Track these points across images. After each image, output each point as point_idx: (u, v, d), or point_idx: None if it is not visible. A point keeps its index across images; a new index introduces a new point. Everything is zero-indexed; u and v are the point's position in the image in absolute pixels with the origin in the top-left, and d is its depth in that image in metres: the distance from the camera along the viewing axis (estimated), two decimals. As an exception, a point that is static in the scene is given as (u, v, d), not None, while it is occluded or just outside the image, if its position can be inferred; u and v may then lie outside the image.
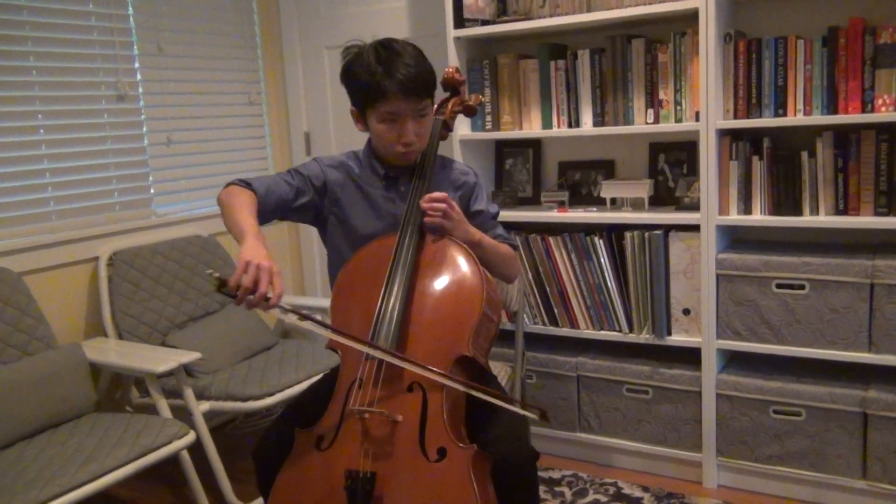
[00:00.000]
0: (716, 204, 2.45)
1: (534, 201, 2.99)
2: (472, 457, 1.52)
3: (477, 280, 1.71)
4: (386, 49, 1.76)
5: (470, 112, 2.08)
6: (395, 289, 1.69)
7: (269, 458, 1.73)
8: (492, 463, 1.58)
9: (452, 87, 2.05)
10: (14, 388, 2.23)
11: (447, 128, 2.00)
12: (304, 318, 1.59)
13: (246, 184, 1.79)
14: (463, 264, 1.74)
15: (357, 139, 1.91)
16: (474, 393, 1.59)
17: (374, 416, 1.58)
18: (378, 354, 1.60)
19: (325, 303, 3.03)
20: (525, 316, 2.77)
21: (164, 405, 2.42)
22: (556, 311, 2.78)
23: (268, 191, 1.80)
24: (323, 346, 2.47)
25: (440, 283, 1.73)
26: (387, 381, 1.62)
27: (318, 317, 3.28)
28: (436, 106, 1.99)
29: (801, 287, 2.35)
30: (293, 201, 1.86)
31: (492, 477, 1.59)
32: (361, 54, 1.78)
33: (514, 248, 1.99)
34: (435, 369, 1.58)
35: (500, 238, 1.96)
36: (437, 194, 1.76)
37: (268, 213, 1.81)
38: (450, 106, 2.02)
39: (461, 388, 1.59)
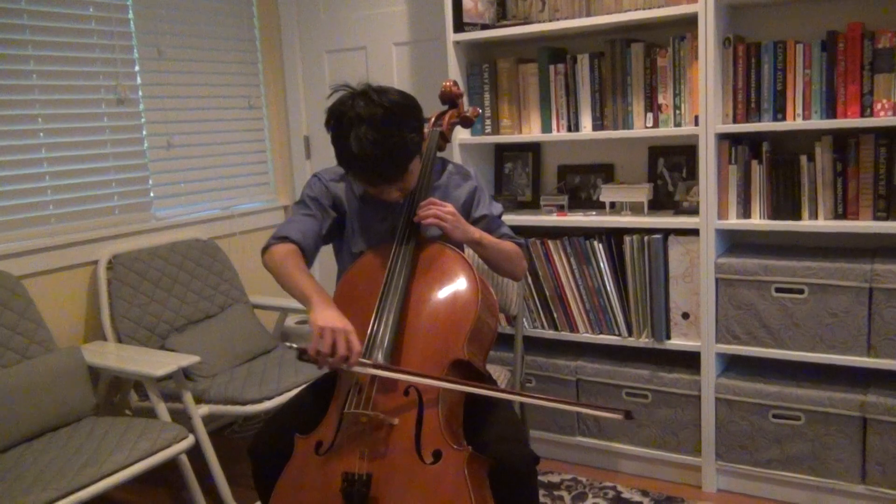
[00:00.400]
0: (715, 208, 2.45)
1: (533, 205, 2.99)
2: (467, 459, 1.53)
3: (472, 285, 1.73)
4: (359, 141, 1.65)
5: (467, 124, 2.11)
6: (391, 296, 1.71)
7: (265, 456, 1.75)
8: (488, 465, 1.59)
9: (450, 100, 2.08)
10: (13, 391, 2.22)
11: (444, 139, 2.02)
12: (380, 368, 1.62)
13: (282, 238, 1.84)
14: (458, 270, 1.76)
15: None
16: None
17: (371, 420, 1.59)
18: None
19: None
20: (524, 319, 2.77)
21: (163, 409, 2.41)
22: (555, 314, 2.78)
23: (303, 235, 1.85)
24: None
25: (436, 288, 1.75)
26: (383, 384, 1.63)
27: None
28: (433, 118, 2.02)
29: (801, 291, 2.35)
30: (321, 230, 1.90)
31: (492, 481, 1.59)
32: (340, 125, 1.69)
33: (520, 245, 2.00)
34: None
35: (505, 237, 1.97)
36: (422, 205, 1.79)
37: (311, 253, 1.88)
38: (447, 118, 2.04)
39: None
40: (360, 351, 1.59)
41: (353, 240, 1.93)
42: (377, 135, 1.64)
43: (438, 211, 1.76)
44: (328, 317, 1.60)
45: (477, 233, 1.84)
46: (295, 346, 1.59)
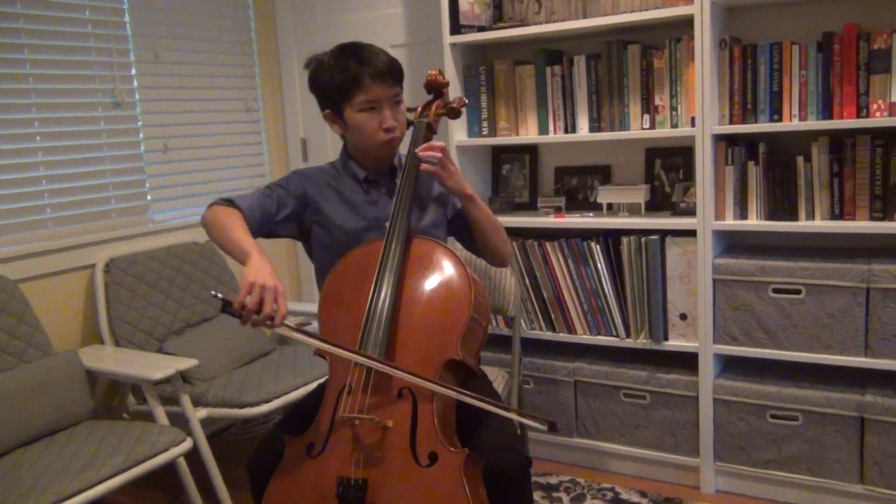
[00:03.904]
0: (712, 209, 2.46)
1: (530, 207, 2.99)
2: (463, 461, 1.52)
3: (465, 284, 1.71)
4: (350, 46, 1.83)
5: (454, 114, 2.01)
6: (384, 293, 1.68)
7: (263, 470, 1.72)
8: (483, 466, 1.58)
9: (436, 89, 2.01)
10: (10, 395, 2.22)
11: (431, 130, 1.97)
12: (309, 335, 1.60)
13: (229, 202, 1.80)
14: (450, 268, 1.74)
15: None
16: (467, 400, 1.59)
17: (365, 423, 1.58)
18: (367, 363, 1.60)
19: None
20: (522, 321, 2.77)
21: (160, 412, 2.41)
22: (553, 316, 2.78)
23: (251, 207, 1.81)
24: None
25: (428, 287, 1.73)
26: (376, 387, 1.61)
27: (315, 323, 3.28)
28: (419, 108, 1.99)
29: (798, 292, 2.35)
30: (276, 214, 1.87)
31: (485, 483, 1.58)
32: (325, 59, 1.84)
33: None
34: (423, 377, 1.58)
35: None
36: (434, 143, 1.81)
37: (254, 229, 1.81)
38: (433, 108, 1.98)
39: (453, 395, 1.59)
40: (286, 313, 1.54)
41: (338, 222, 1.89)
42: (377, 47, 1.85)
43: (440, 156, 1.79)
44: (261, 272, 1.54)
45: (470, 189, 1.85)
46: (220, 295, 1.50)
